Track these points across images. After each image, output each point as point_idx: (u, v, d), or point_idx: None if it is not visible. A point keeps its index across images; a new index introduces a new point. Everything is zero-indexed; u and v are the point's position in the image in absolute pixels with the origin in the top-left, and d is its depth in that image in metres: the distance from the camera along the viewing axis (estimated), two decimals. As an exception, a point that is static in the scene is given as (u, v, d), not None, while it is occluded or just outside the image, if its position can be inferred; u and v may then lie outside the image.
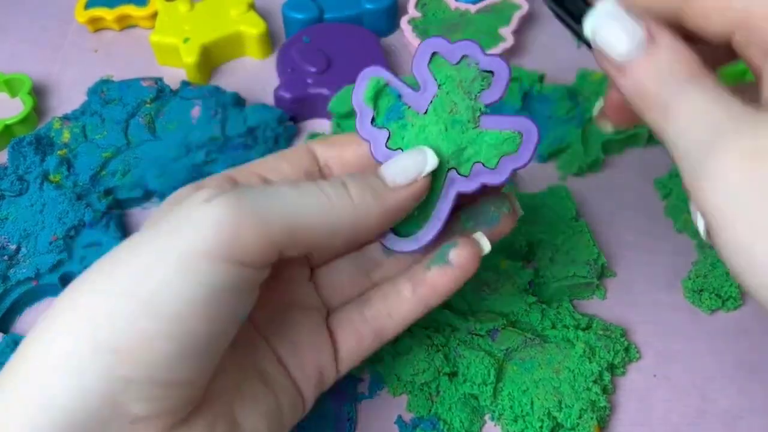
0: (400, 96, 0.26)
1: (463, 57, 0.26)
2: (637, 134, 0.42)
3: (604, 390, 0.32)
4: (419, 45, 0.26)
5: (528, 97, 0.43)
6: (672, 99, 0.21)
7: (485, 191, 0.26)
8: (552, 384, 0.32)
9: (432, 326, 0.34)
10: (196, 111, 0.43)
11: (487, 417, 0.32)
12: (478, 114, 0.25)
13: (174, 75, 0.47)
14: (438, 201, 0.26)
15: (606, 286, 0.37)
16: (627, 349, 0.34)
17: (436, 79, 0.26)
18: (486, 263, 0.36)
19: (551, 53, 0.48)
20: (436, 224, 0.26)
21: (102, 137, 0.42)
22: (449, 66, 0.26)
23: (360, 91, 0.26)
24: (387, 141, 0.26)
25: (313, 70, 0.44)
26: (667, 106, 0.21)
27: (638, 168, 0.42)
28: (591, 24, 0.23)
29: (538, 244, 0.37)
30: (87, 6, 0.50)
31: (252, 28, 0.47)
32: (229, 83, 0.47)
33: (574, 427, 0.31)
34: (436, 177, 0.26)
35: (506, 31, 0.47)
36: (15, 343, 0.34)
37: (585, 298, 0.36)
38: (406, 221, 0.26)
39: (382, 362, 0.33)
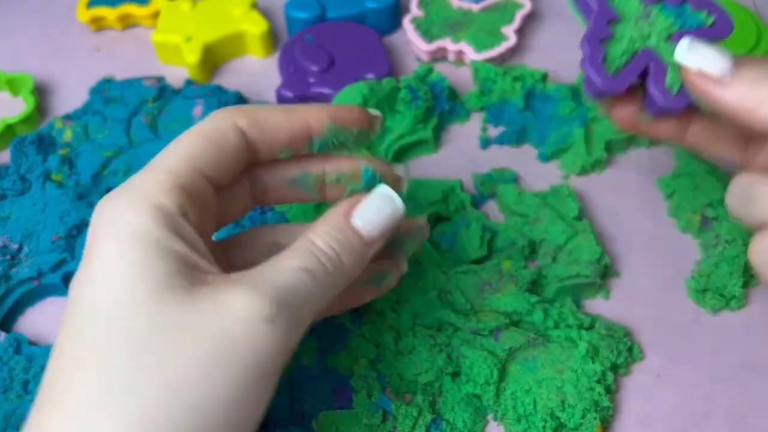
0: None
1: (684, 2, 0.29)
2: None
3: (608, 390, 0.32)
4: None
5: (531, 96, 0.43)
6: None
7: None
8: (555, 384, 0.32)
9: (434, 326, 0.34)
10: (198, 110, 0.43)
11: (490, 417, 0.32)
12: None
13: (176, 74, 0.47)
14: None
15: (609, 285, 0.37)
16: (630, 349, 0.34)
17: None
18: (488, 263, 0.36)
19: (554, 52, 0.48)
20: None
21: (104, 137, 0.42)
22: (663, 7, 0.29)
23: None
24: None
25: (315, 68, 0.44)
26: None
27: (641, 168, 0.42)
28: (685, 49, 0.27)
29: (541, 243, 0.37)
30: (89, 5, 0.50)
31: (254, 27, 0.47)
32: (231, 82, 0.47)
33: (577, 427, 0.31)
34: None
35: (509, 30, 0.47)
36: (17, 342, 0.34)
37: (588, 297, 0.36)
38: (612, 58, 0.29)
39: (385, 362, 0.33)
